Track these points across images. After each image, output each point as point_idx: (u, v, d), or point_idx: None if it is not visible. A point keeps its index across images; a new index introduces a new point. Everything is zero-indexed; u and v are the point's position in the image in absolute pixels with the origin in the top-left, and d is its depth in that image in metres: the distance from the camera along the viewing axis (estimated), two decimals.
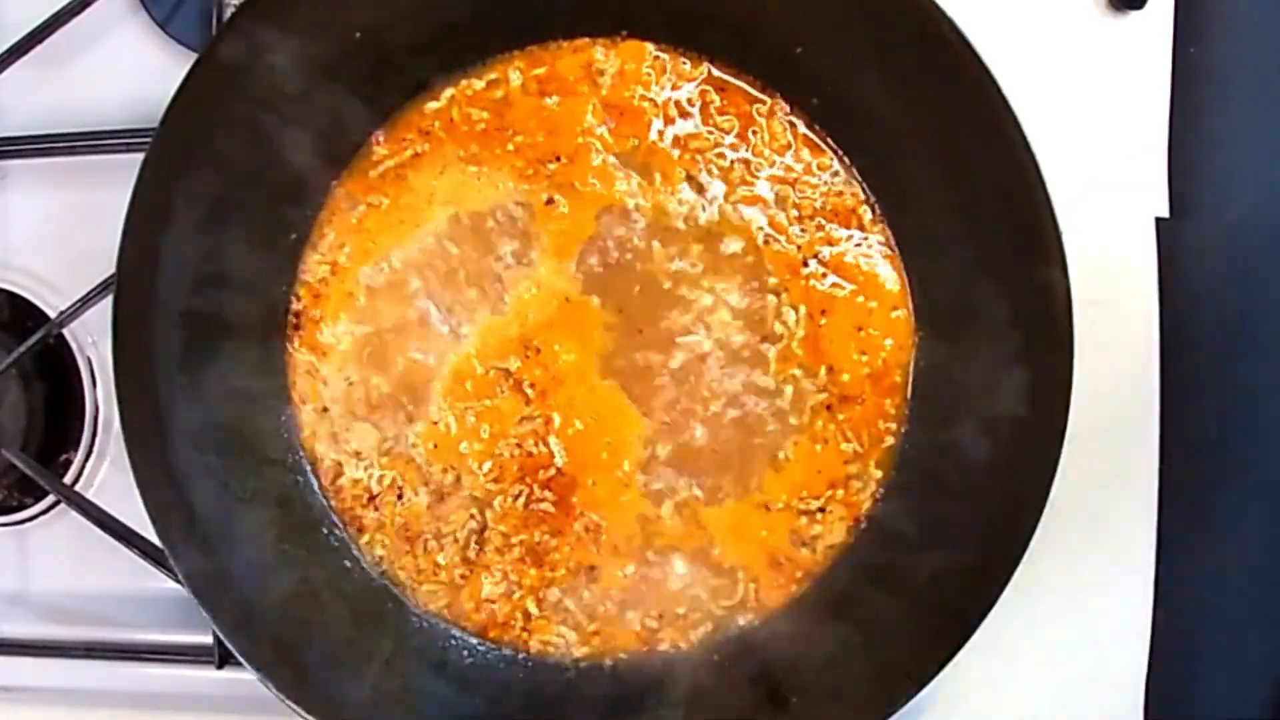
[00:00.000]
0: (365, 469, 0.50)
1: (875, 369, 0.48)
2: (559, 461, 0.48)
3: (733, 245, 0.48)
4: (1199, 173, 0.50)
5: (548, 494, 0.49)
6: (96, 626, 0.53)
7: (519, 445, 0.49)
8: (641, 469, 0.48)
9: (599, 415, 0.48)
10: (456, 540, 0.49)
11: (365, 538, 0.50)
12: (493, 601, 0.49)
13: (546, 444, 0.49)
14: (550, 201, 0.49)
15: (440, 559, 0.49)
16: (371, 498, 0.50)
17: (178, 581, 0.45)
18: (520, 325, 0.49)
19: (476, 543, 0.49)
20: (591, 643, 0.49)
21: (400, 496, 0.49)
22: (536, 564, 0.49)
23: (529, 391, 0.48)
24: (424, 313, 0.49)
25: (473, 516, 0.49)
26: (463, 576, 0.49)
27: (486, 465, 0.49)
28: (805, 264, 0.48)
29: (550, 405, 0.48)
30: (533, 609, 0.49)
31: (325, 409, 0.50)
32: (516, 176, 0.49)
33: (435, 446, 0.49)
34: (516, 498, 0.49)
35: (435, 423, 0.49)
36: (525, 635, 0.49)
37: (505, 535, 0.49)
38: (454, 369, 0.49)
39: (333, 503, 0.50)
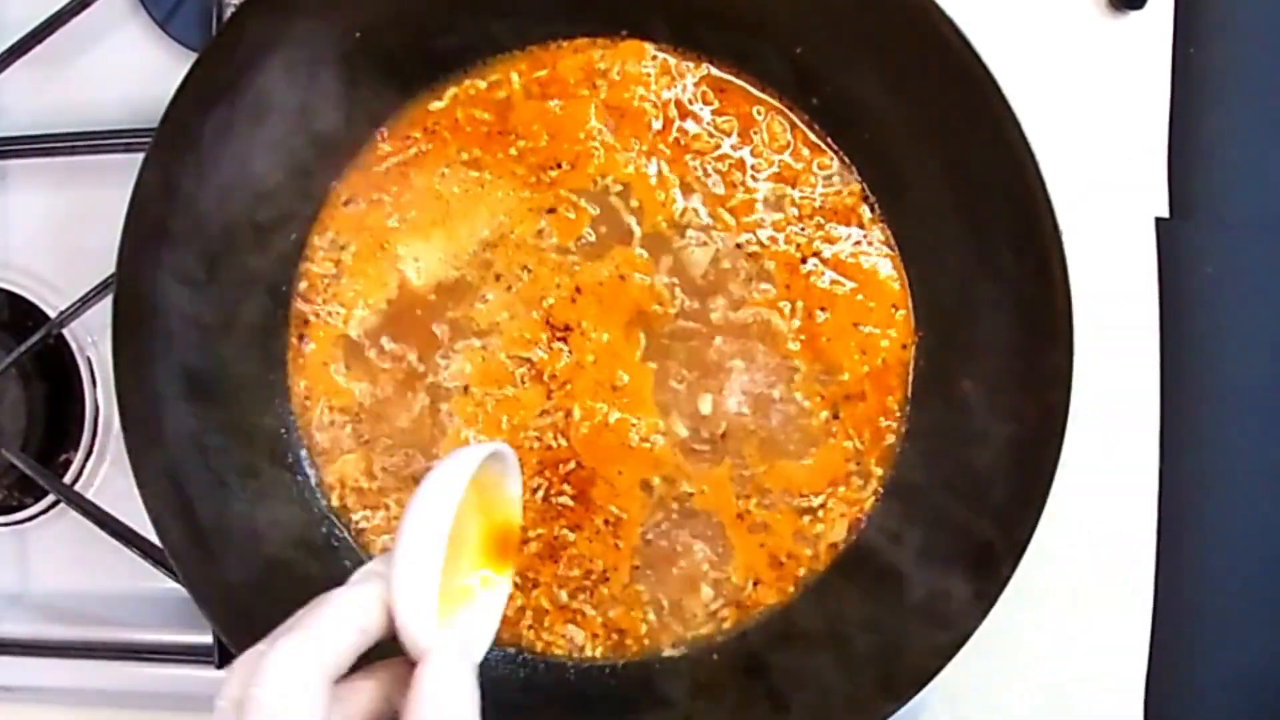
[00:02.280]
0: (368, 468, 0.50)
1: (875, 367, 0.48)
2: (580, 455, 0.49)
3: (732, 243, 0.48)
4: (1199, 173, 0.50)
5: (567, 487, 0.49)
6: (96, 626, 0.53)
7: (539, 438, 0.49)
8: (656, 466, 0.48)
9: (621, 405, 0.48)
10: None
11: (367, 538, 0.50)
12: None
13: (566, 436, 0.49)
14: (551, 211, 0.49)
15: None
16: (375, 497, 0.50)
17: (178, 581, 0.45)
18: (540, 312, 0.49)
19: None
20: (596, 642, 0.49)
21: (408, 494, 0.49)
22: (553, 559, 0.49)
23: (550, 383, 0.48)
24: (431, 311, 0.49)
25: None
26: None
27: None
28: (804, 261, 0.48)
29: (572, 396, 0.48)
30: (545, 605, 0.49)
31: (327, 408, 0.50)
32: (519, 184, 0.49)
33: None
34: (535, 491, 0.49)
35: (446, 421, 0.49)
36: (532, 634, 0.49)
37: (522, 529, 0.49)
38: (467, 363, 0.49)
39: (334, 502, 0.50)
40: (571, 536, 0.49)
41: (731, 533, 0.48)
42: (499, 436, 0.49)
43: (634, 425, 0.48)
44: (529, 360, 0.49)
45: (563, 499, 0.49)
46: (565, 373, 0.48)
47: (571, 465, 0.49)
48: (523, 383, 0.49)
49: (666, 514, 0.49)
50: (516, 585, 0.49)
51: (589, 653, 0.49)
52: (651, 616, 0.49)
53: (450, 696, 0.33)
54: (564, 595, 0.49)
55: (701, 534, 0.49)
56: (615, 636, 0.49)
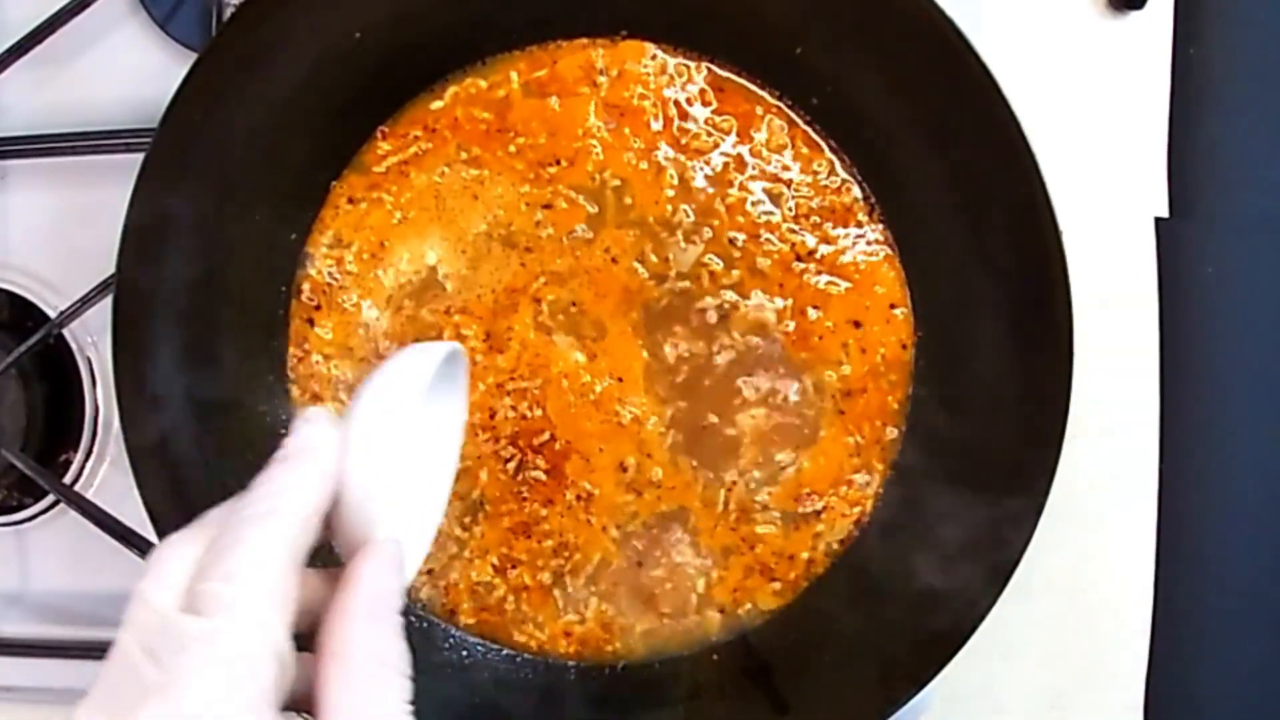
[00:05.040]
0: None
1: (875, 366, 0.48)
2: (555, 426, 0.49)
3: (730, 242, 0.48)
4: (1199, 173, 0.50)
5: (540, 461, 0.49)
6: (96, 626, 0.53)
7: (514, 408, 0.49)
8: (640, 448, 0.48)
9: (606, 382, 0.48)
10: (453, 524, 0.49)
11: None
12: (489, 587, 0.49)
13: (542, 406, 0.49)
14: (548, 206, 0.49)
15: (436, 548, 0.49)
16: None
17: None
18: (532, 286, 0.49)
19: (470, 518, 0.49)
20: (589, 640, 0.49)
21: None
22: (526, 534, 0.49)
23: (524, 350, 0.49)
24: (431, 310, 0.49)
25: (465, 492, 0.49)
26: (453, 557, 0.49)
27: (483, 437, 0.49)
28: (802, 261, 0.48)
29: (549, 362, 0.49)
30: (527, 581, 0.49)
31: (328, 407, 0.50)
32: (518, 179, 0.49)
33: None
34: (506, 462, 0.49)
35: None
36: (518, 618, 0.49)
37: (495, 503, 0.49)
38: (471, 375, 0.49)
39: None
40: (544, 512, 0.49)
41: (724, 530, 0.48)
42: (470, 397, 0.48)
43: (620, 404, 0.48)
44: (511, 328, 0.49)
45: (535, 472, 0.49)
46: (540, 343, 0.49)
47: (545, 437, 0.49)
48: (500, 349, 0.49)
49: (647, 501, 0.48)
50: (494, 568, 0.49)
51: (577, 652, 0.49)
52: (648, 616, 0.49)
53: (387, 595, 0.29)
54: (546, 577, 0.49)
55: (691, 529, 0.49)
56: (608, 635, 0.49)
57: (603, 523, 0.49)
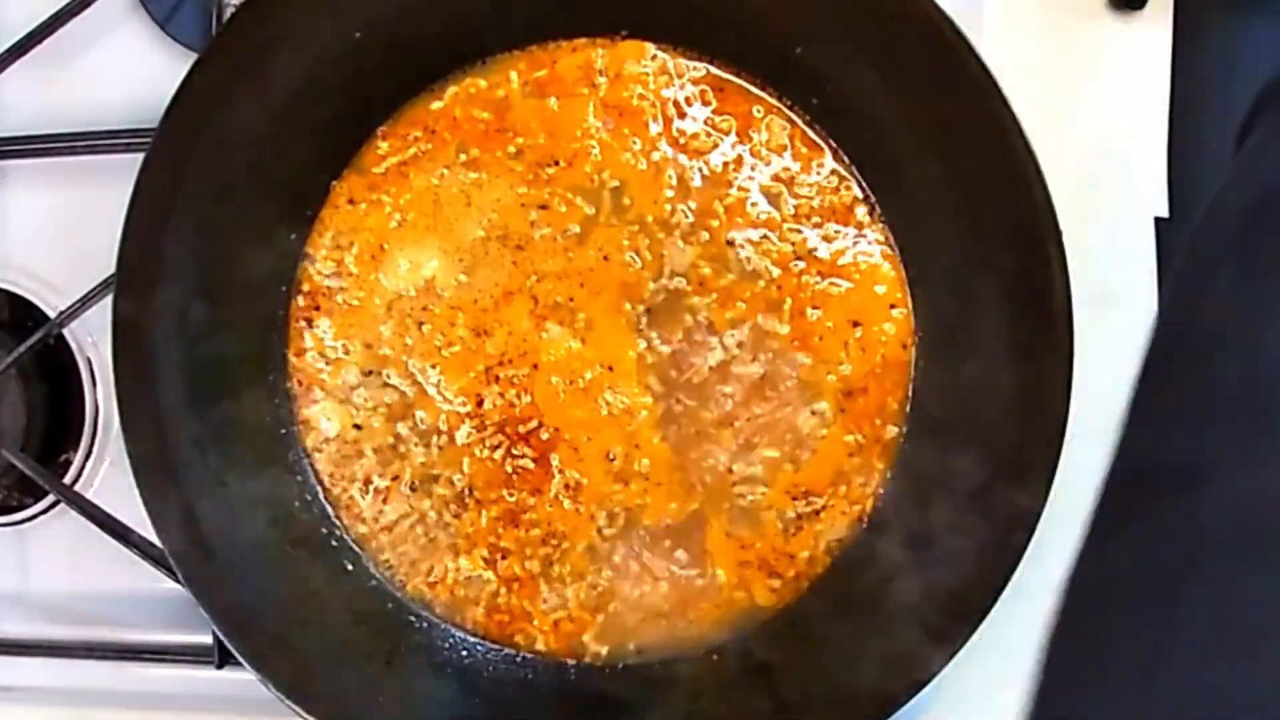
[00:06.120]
0: (365, 467, 0.50)
1: (875, 365, 0.48)
2: (544, 414, 0.49)
3: (729, 242, 0.48)
4: (1199, 173, 0.50)
5: (528, 450, 0.49)
6: (96, 626, 0.53)
7: (501, 395, 0.49)
8: (630, 440, 0.48)
9: (599, 372, 0.49)
10: (445, 517, 0.49)
11: (364, 535, 0.50)
12: (481, 581, 0.49)
13: (531, 393, 0.49)
14: (544, 207, 0.49)
15: (429, 542, 0.49)
16: (371, 496, 0.50)
17: (178, 581, 0.45)
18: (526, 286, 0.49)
19: (459, 507, 0.49)
20: (588, 639, 0.49)
21: (401, 491, 0.49)
22: (514, 524, 0.49)
23: (511, 339, 0.49)
24: (429, 311, 0.49)
25: (454, 483, 0.49)
26: (445, 550, 0.49)
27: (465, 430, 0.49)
28: (801, 261, 0.48)
29: (539, 349, 0.49)
30: (518, 572, 0.49)
31: (327, 407, 0.50)
32: (516, 180, 0.49)
33: (440, 448, 0.49)
34: (494, 449, 0.49)
35: (439, 416, 0.49)
36: (523, 627, 0.49)
37: (483, 491, 0.49)
38: (461, 361, 0.49)
39: (332, 503, 0.50)
40: (531, 500, 0.49)
41: (730, 530, 0.48)
42: (458, 383, 0.49)
43: (611, 393, 0.48)
44: (505, 323, 0.49)
45: (522, 461, 0.49)
46: (531, 333, 0.49)
47: (533, 424, 0.49)
48: (489, 333, 0.49)
49: (634, 492, 0.48)
50: (484, 560, 0.49)
51: (560, 648, 0.49)
52: (646, 615, 0.49)
53: None
54: (534, 565, 0.49)
55: (688, 525, 0.48)
56: (606, 635, 0.49)
57: (590, 511, 0.49)
